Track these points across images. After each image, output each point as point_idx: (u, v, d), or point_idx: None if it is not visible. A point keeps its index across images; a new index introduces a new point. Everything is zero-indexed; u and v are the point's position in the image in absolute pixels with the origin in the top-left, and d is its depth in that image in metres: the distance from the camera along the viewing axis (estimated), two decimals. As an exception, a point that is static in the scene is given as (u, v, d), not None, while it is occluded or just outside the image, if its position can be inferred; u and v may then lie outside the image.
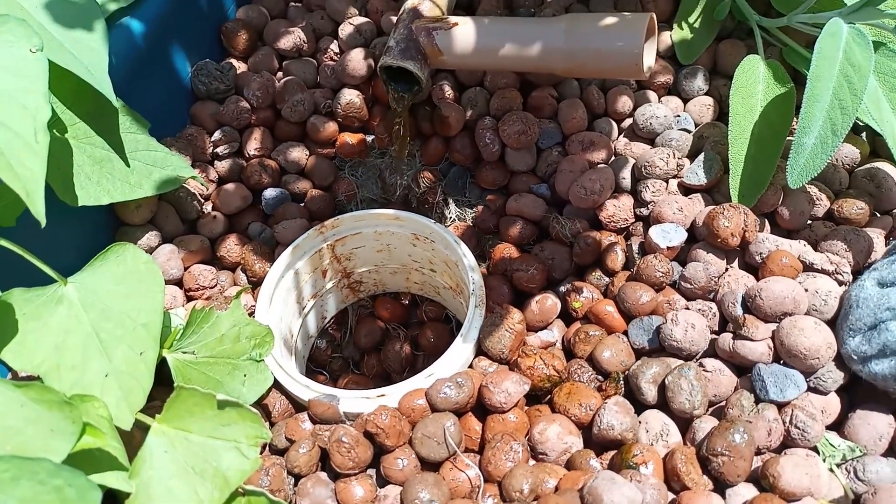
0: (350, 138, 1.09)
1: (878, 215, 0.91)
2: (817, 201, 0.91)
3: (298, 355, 1.06)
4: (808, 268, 0.82)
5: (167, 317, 0.83)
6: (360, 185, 1.09)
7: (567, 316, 0.92)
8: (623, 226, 0.95)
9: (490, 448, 0.77)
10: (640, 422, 0.77)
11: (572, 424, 0.79)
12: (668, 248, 0.87)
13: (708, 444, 0.71)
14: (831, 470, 0.72)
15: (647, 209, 0.94)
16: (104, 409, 0.65)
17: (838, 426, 0.76)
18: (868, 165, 0.94)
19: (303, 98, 1.06)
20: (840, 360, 0.76)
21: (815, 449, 0.74)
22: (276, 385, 0.87)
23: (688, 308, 0.83)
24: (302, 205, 1.05)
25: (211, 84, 1.08)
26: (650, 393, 0.78)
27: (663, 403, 0.78)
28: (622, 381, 0.81)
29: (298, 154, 1.07)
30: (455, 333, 1.09)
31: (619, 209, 0.94)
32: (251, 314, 0.96)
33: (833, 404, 0.76)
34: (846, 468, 0.72)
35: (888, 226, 0.89)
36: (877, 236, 0.86)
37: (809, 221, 0.90)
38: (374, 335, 1.11)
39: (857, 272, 0.83)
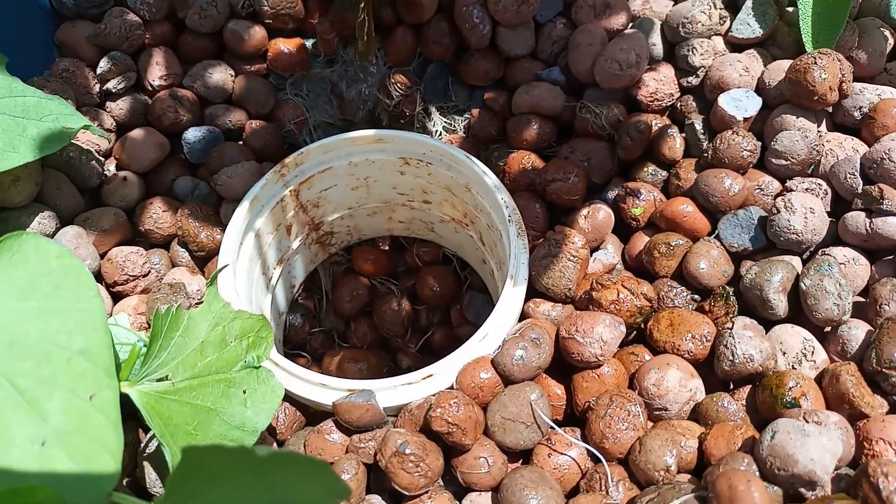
0: (285, 45, 0.82)
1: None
2: (888, 39, 0.74)
3: (274, 341, 0.81)
4: (921, 116, 0.66)
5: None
6: (310, 106, 0.83)
7: (621, 227, 0.73)
8: (668, 103, 0.75)
9: (598, 417, 0.57)
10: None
11: (689, 365, 0.61)
12: (745, 118, 0.69)
13: (879, 355, 0.55)
14: None
15: (696, 77, 0.75)
16: (55, 501, 0.40)
17: None
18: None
19: None
20: None
21: None
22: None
23: (791, 190, 0.65)
24: (241, 143, 0.78)
25: (75, -4, 0.77)
26: (781, 305, 0.60)
27: (793, 314, 0.62)
28: (732, 297, 0.63)
29: (220, 76, 0.79)
30: (460, 276, 0.88)
31: (661, 83, 0.75)
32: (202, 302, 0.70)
33: None
34: None
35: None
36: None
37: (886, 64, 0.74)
38: (359, 296, 0.88)
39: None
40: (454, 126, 0.83)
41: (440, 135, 0.84)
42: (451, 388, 0.60)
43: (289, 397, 0.64)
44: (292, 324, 0.87)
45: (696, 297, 0.66)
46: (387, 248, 0.92)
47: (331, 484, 0.40)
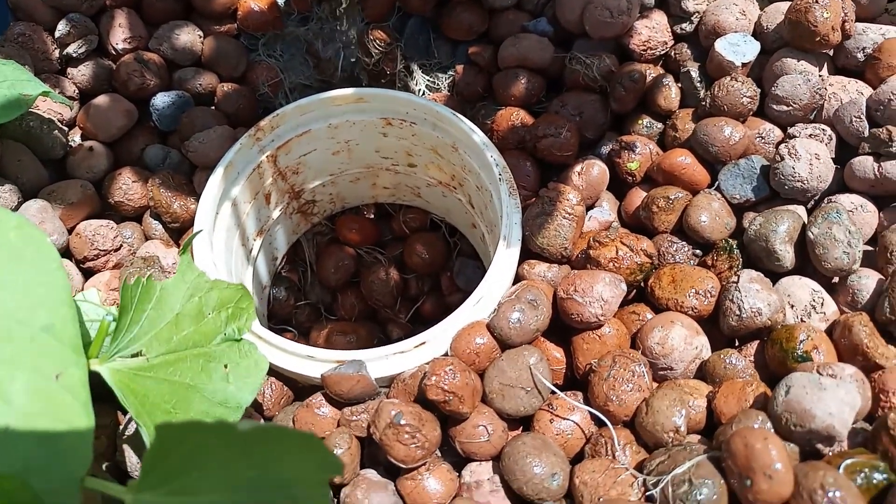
0: (255, 3, 0.77)
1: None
2: (888, -23, 0.71)
3: (258, 315, 0.78)
4: (927, 55, 0.63)
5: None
6: (285, 67, 0.79)
7: (617, 183, 0.70)
8: (662, 52, 0.72)
9: (601, 379, 0.55)
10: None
11: (694, 322, 0.58)
12: (744, 63, 0.65)
13: (892, 304, 0.53)
14: None
15: (691, 23, 0.71)
16: (23, 489, 0.37)
17: None
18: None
19: (173, -43, 0.73)
20: None
21: None
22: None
23: (794, 136, 0.62)
24: (213, 108, 0.74)
25: (26, -43, 0.72)
26: (788, 255, 0.58)
27: (800, 266, 0.59)
28: (736, 250, 0.60)
29: (188, 37, 0.75)
30: (449, 242, 0.85)
31: (654, 30, 0.71)
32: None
33: None
34: None
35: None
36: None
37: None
38: (344, 267, 0.85)
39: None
40: (438, 84, 0.79)
41: (423, 94, 0.80)
42: (446, 355, 0.57)
43: (275, 372, 0.61)
44: (276, 297, 0.83)
45: (698, 251, 0.63)
46: (372, 216, 0.89)
47: (322, 458, 0.36)
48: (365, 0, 0.77)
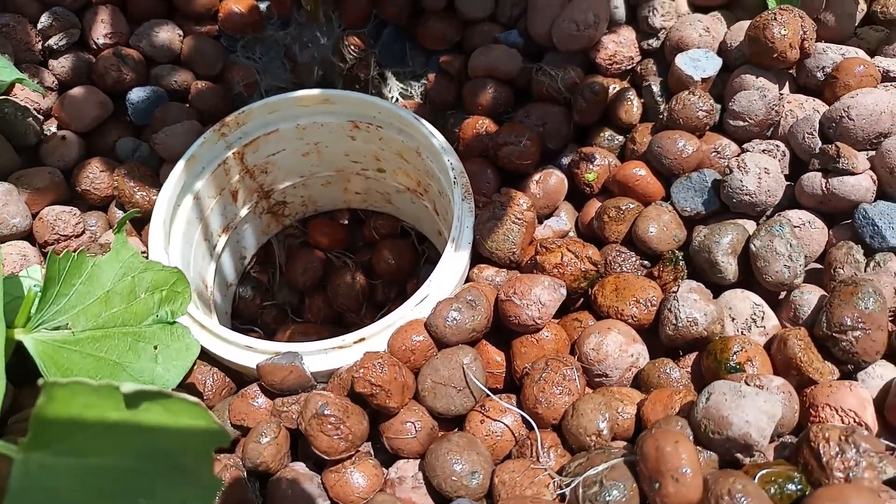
0: (237, 6, 0.79)
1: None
2: (859, 2, 0.71)
3: (219, 312, 0.79)
4: (886, 77, 0.63)
5: (15, 283, 0.54)
6: (262, 69, 0.81)
7: (576, 194, 0.70)
8: (628, 66, 0.72)
9: (533, 382, 0.54)
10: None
11: (632, 329, 0.57)
12: (703, 79, 0.66)
13: (829, 320, 0.52)
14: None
15: (657, 39, 0.72)
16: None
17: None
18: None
19: (159, -41, 0.76)
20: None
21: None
22: (202, 354, 0.61)
23: (747, 151, 0.62)
24: (187, 105, 0.76)
25: (19, -46, 0.75)
26: (730, 268, 0.57)
27: (745, 279, 0.58)
28: (682, 261, 0.60)
29: (168, 35, 0.77)
30: (418, 249, 0.85)
31: (621, 45, 0.72)
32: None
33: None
34: None
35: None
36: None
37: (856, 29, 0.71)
38: (313, 270, 0.86)
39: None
40: (410, 92, 0.81)
41: (396, 100, 0.81)
42: (386, 351, 0.58)
43: (218, 363, 0.62)
44: (242, 296, 0.84)
45: (646, 263, 0.63)
46: (346, 221, 0.90)
47: (209, 428, 0.37)
48: (343, 6, 0.79)
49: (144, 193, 0.69)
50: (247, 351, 0.59)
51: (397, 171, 0.78)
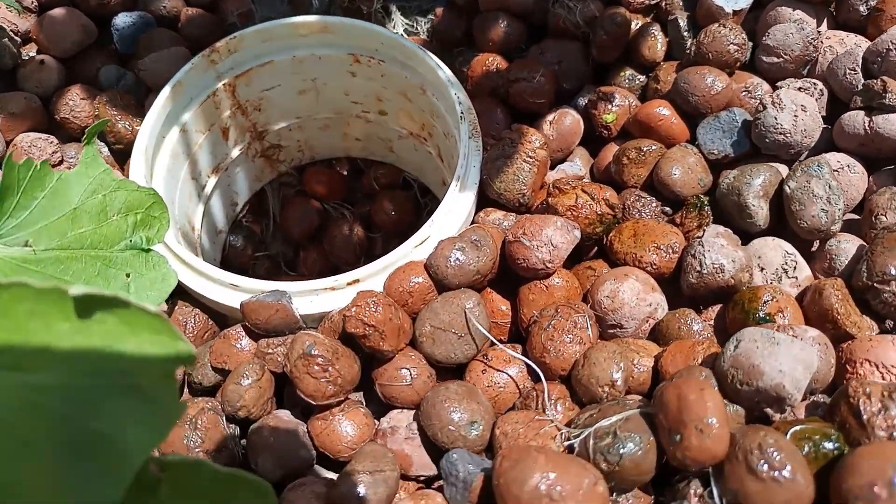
0: (233, -68, 0.74)
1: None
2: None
3: (207, 257, 0.74)
4: (935, 13, 0.58)
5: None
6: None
7: (592, 138, 0.65)
8: (654, 0, 0.67)
9: (541, 329, 0.49)
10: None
11: (650, 278, 0.53)
12: (735, 12, 0.60)
13: (870, 269, 0.47)
14: None
15: (685, -28, 0.66)
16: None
17: None
18: None
19: None
20: None
21: None
22: (182, 292, 0.56)
23: (780, 88, 0.57)
24: (176, 34, 0.71)
25: None
26: (761, 212, 0.52)
27: (775, 226, 0.53)
28: (707, 206, 0.55)
29: (159, -41, 0.72)
30: (420, 202, 0.80)
31: (645, -22, 0.66)
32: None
33: None
34: None
35: None
36: None
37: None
38: (309, 220, 0.81)
39: None
40: (416, 28, 0.76)
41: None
42: (383, 293, 0.53)
43: (200, 304, 0.57)
44: (233, 245, 0.79)
45: (668, 209, 0.58)
46: (345, 171, 0.85)
47: (170, 344, 0.32)
48: (344, -66, 0.73)
49: (127, 123, 0.64)
50: (231, 289, 0.54)
51: (400, 112, 0.73)
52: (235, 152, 0.74)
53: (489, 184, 0.58)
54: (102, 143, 0.66)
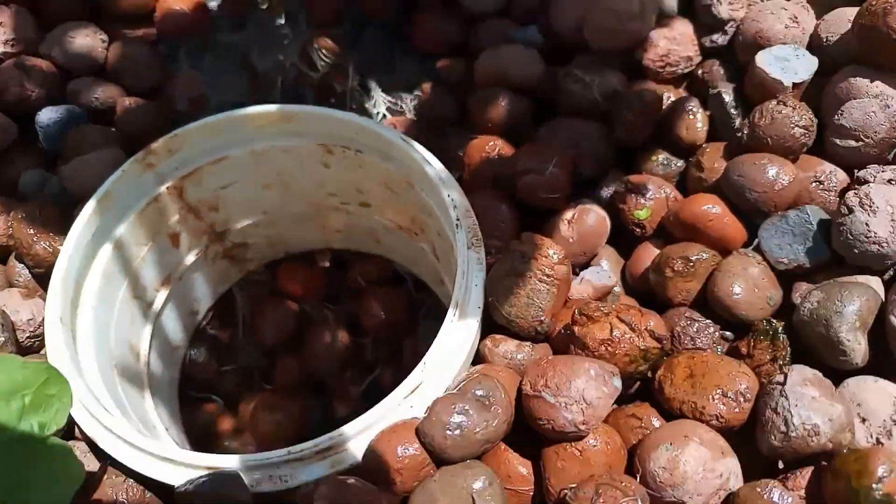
0: (178, 3, 0.63)
1: None
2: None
3: (158, 383, 0.62)
4: None
5: None
6: (213, 81, 0.65)
7: (621, 237, 0.53)
8: (685, 69, 0.57)
9: (577, 521, 0.37)
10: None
11: (719, 437, 0.40)
12: (795, 84, 0.49)
13: None
14: None
15: (724, 35, 0.55)
16: None
17: None
18: None
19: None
20: None
21: None
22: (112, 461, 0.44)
23: (866, 181, 0.45)
24: (113, 129, 0.59)
25: None
26: (858, 348, 0.40)
27: (875, 361, 0.41)
28: (782, 334, 0.43)
29: (87, 41, 0.62)
30: (415, 298, 0.68)
31: (675, 42, 0.56)
32: (36, 336, 0.51)
33: None
34: None
35: None
36: None
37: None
38: (284, 324, 0.72)
39: None
40: (400, 106, 0.65)
41: (383, 118, 0.65)
42: (354, 467, 0.40)
43: (132, 472, 0.45)
44: (194, 360, 0.68)
45: (728, 334, 0.47)
46: (326, 264, 0.73)
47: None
48: (309, 1, 0.62)
49: (48, 244, 0.52)
50: (165, 463, 0.42)
51: (385, 205, 0.62)
52: (190, 258, 0.63)
53: (496, 307, 0.47)
54: (22, 265, 0.54)
